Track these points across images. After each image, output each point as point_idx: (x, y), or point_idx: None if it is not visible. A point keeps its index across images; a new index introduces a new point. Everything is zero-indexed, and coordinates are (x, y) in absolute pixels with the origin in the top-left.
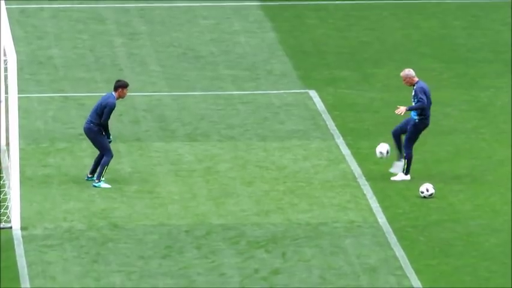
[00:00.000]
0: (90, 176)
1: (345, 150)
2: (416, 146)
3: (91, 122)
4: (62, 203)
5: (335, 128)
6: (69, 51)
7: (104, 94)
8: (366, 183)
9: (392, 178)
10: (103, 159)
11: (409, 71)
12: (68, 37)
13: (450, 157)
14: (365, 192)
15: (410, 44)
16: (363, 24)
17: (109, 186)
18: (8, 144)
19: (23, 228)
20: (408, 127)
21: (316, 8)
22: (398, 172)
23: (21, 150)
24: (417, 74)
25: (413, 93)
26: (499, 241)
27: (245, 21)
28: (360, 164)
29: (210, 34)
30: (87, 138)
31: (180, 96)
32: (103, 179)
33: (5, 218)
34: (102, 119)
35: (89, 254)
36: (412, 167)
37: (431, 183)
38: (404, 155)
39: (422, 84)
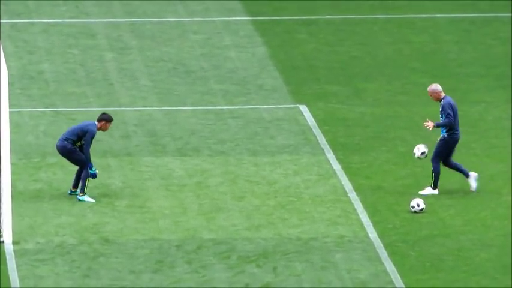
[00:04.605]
0: (73, 190)
1: (336, 165)
2: (406, 161)
3: (66, 139)
4: (53, 217)
5: (325, 142)
6: (60, 65)
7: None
8: (357, 197)
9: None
10: (83, 173)
11: (436, 86)
12: (59, 52)
13: (441, 172)
14: (355, 207)
15: (401, 59)
16: (354, 39)
17: (93, 200)
18: None
19: (14, 243)
20: (437, 142)
21: (307, 22)
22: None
23: (12, 165)
24: (408, 89)
25: (440, 109)
26: (489, 256)
27: (235, 36)
28: (350, 179)
29: (201, 49)
30: (61, 156)
31: (171, 111)
32: (87, 193)
33: None
34: (84, 149)
35: (80, 268)
36: (403, 182)
37: (422, 198)
38: (432, 169)
39: (450, 99)
